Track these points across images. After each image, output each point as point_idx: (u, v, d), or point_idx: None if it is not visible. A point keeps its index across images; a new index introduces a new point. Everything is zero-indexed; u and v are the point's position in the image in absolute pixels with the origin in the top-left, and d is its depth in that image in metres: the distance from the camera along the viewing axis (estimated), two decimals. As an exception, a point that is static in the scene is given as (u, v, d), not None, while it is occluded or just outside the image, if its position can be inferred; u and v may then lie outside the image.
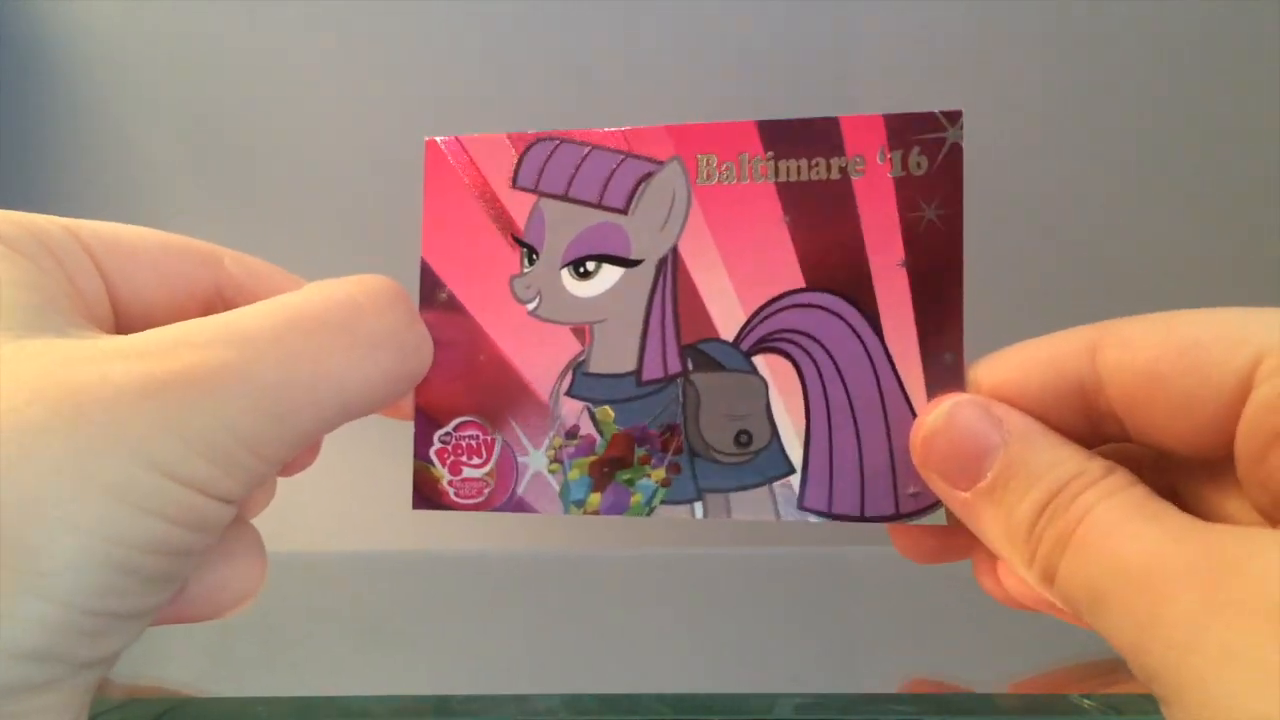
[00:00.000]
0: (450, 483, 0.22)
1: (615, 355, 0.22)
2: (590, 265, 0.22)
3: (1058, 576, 0.17)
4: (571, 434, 0.22)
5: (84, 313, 0.18)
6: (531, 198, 0.22)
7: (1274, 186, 0.46)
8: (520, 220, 0.22)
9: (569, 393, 0.22)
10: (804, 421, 0.21)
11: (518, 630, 0.37)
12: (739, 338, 0.21)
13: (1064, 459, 0.18)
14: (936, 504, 0.20)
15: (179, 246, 0.21)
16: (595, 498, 0.22)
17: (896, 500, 0.20)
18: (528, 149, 0.22)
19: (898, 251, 0.20)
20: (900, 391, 0.20)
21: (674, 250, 0.21)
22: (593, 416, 0.22)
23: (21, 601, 0.14)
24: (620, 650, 0.35)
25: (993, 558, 0.20)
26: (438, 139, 0.22)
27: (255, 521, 0.21)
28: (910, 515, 0.20)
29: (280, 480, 0.22)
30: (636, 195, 0.21)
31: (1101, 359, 0.18)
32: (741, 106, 0.48)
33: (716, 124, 0.21)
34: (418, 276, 0.22)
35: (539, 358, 0.22)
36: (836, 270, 0.21)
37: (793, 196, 0.21)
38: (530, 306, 0.22)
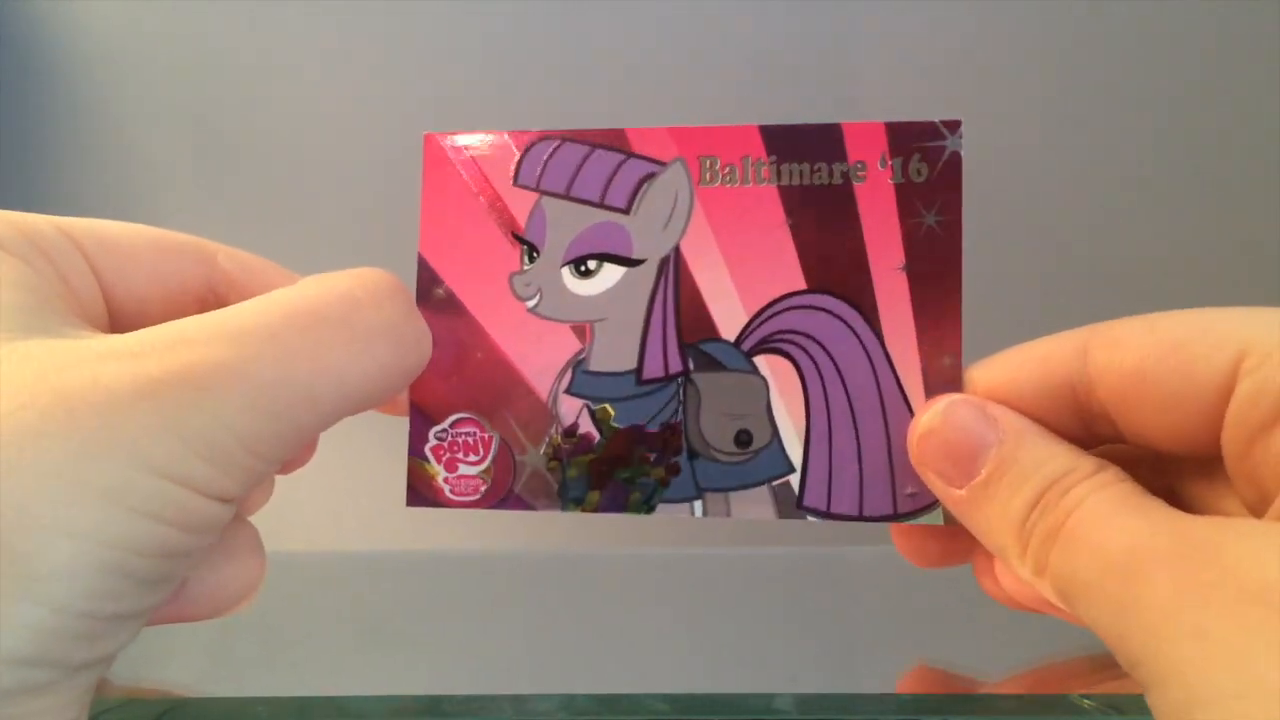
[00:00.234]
0: (446, 480, 0.22)
1: (616, 354, 0.22)
2: (592, 264, 0.22)
3: (1048, 569, 0.17)
4: (571, 432, 0.22)
5: (78, 312, 0.18)
6: (533, 196, 0.22)
7: (1274, 197, 0.47)
8: (521, 218, 0.22)
9: (569, 390, 0.22)
10: (804, 422, 0.21)
11: (517, 630, 0.37)
12: (740, 338, 0.21)
13: (1056, 455, 0.18)
14: (934, 504, 0.20)
15: (172, 243, 0.20)
16: (594, 496, 0.22)
17: (895, 500, 0.21)
18: (529, 147, 0.22)
19: (898, 256, 0.21)
20: (899, 393, 0.21)
21: (676, 250, 0.21)
22: (592, 415, 0.22)
23: (16, 608, 0.14)
24: (620, 650, 0.35)
25: (992, 559, 0.20)
26: (437, 135, 0.22)
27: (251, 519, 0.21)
28: (908, 515, 0.21)
29: (277, 478, 0.22)
30: (639, 195, 0.21)
31: (1091, 360, 0.19)
32: (742, 107, 0.48)
33: (719, 127, 0.21)
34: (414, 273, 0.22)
35: (538, 355, 0.22)
36: (838, 273, 0.21)
37: (795, 200, 0.21)
38: (530, 304, 0.22)
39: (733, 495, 0.21)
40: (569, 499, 0.22)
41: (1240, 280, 0.47)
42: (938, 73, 0.47)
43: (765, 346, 0.21)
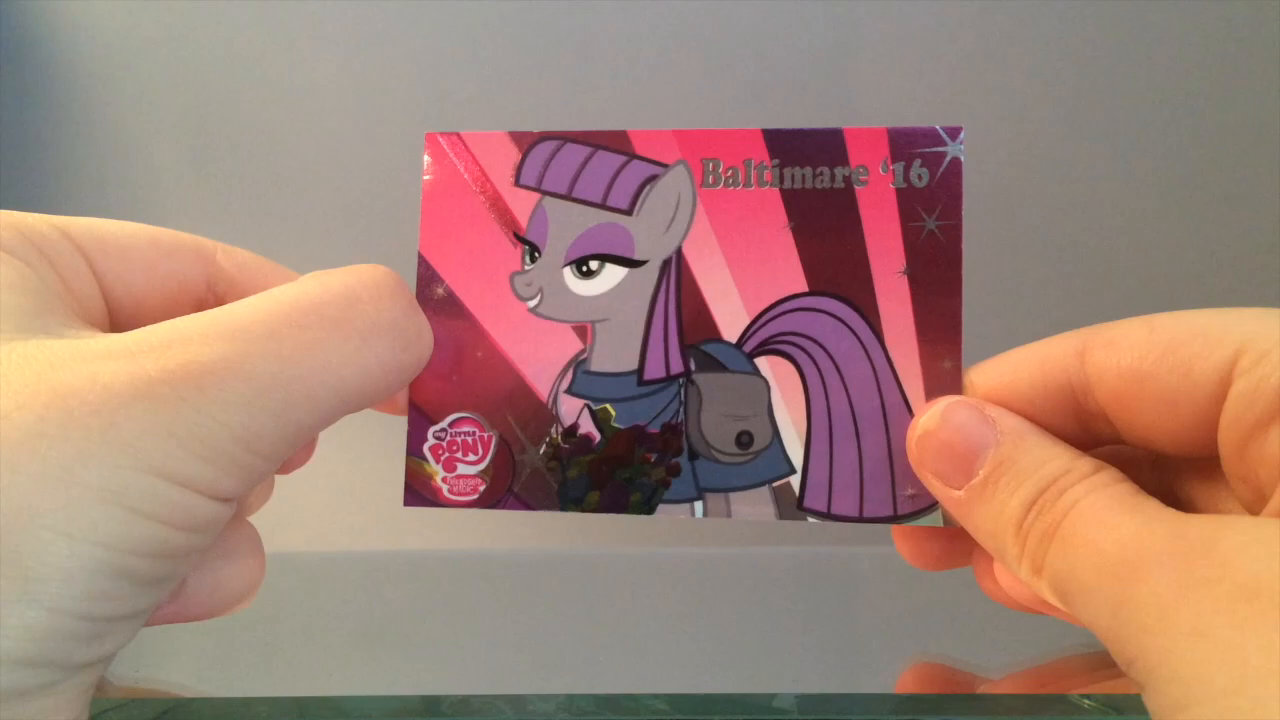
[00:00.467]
0: (444, 479, 0.22)
1: (617, 354, 0.22)
2: (593, 264, 0.22)
3: (1045, 569, 0.17)
4: (571, 432, 0.22)
5: (77, 312, 0.18)
6: (534, 196, 0.22)
7: (1273, 198, 0.47)
8: (522, 218, 0.22)
9: (569, 390, 0.22)
10: (805, 423, 0.21)
11: (517, 630, 0.37)
12: (742, 339, 0.21)
13: (1053, 456, 0.18)
14: (934, 505, 0.20)
15: (170, 241, 0.20)
16: (594, 496, 0.22)
17: (895, 501, 0.21)
18: (531, 147, 0.22)
19: (899, 260, 0.21)
20: (900, 395, 0.21)
21: (678, 252, 0.21)
22: (593, 415, 0.22)
23: (14, 610, 0.14)
24: (620, 650, 0.35)
25: (992, 560, 0.20)
26: (438, 134, 0.22)
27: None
28: (908, 516, 0.21)
29: (276, 478, 0.22)
30: (641, 197, 0.21)
31: (1089, 361, 0.19)
32: (742, 108, 0.48)
33: (723, 130, 0.21)
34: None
35: (539, 355, 0.22)
36: (839, 276, 0.21)
37: (797, 203, 0.21)
38: (531, 304, 0.22)
39: (733, 496, 0.21)
40: (569, 499, 0.22)
41: (1240, 281, 0.47)
42: (940, 78, 0.47)
43: (767, 348, 0.21)
